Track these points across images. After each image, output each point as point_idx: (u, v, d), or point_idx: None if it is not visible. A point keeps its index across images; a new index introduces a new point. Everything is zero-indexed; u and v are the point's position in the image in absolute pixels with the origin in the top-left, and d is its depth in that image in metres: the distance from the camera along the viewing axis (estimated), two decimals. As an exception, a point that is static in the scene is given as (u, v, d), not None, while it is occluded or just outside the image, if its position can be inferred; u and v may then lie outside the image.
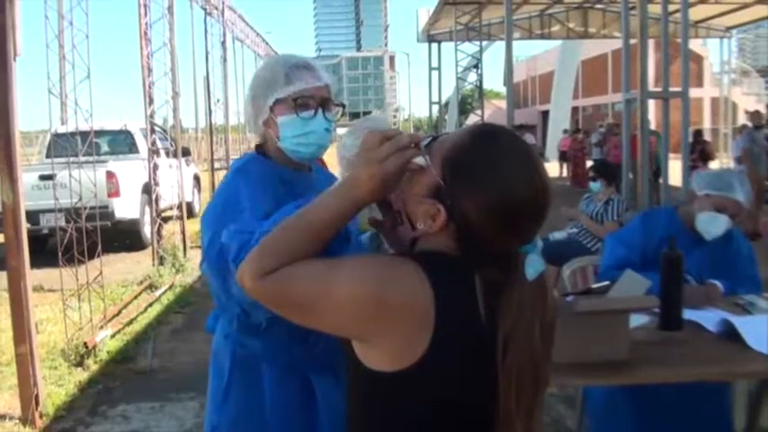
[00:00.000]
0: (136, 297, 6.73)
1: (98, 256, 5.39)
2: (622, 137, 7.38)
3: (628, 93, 6.91)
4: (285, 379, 1.69)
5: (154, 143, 7.91)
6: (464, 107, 22.96)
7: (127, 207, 9.16)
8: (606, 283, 2.46)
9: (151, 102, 7.66)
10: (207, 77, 10.09)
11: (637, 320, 2.45)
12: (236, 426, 1.76)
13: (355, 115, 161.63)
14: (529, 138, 16.06)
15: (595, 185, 5.70)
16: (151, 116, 7.69)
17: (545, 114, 37.30)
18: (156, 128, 9.69)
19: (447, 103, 26.66)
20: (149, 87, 7.50)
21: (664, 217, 2.92)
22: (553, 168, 19.68)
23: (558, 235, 5.78)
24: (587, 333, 2.06)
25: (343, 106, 1.82)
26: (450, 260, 1.06)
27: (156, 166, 8.32)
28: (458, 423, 1.06)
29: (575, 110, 34.96)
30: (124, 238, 9.66)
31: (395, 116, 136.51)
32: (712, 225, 2.75)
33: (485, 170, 1.04)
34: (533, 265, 1.04)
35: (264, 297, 1.08)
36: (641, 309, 2.09)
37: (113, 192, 8.81)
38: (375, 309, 1.01)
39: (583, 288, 2.73)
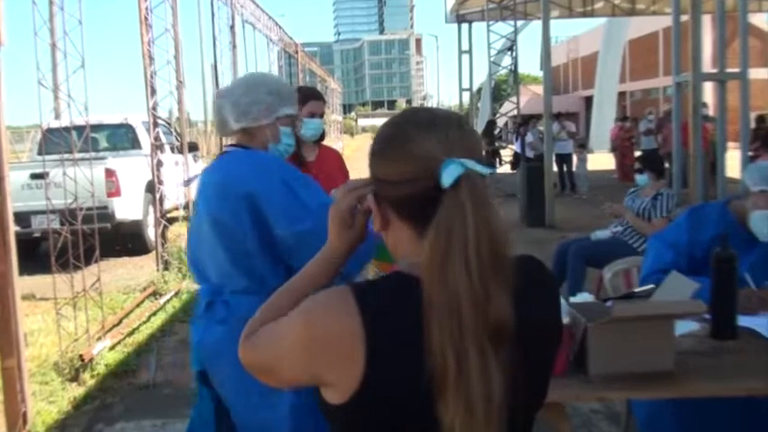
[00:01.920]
0: (138, 305, 6.81)
1: (96, 261, 5.45)
2: (673, 124, 7.28)
3: (679, 75, 6.81)
4: None
5: (157, 137, 7.99)
6: (498, 94, 22.85)
7: (128, 207, 9.27)
8: (650, 286, 2.42)
9: (153, 93, 7.74)
10: (215, 65, 10.18)
11: (685, 327, 2.42)
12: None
13: (378, 104, 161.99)
14: (569, 126, 15.93)
15: (642, 179, 5.63)
16: (153, 108, 7.76)
17: (588, 101, 37.00)
18: (160, 121, 9.80)
19: (480, 90, 26.57)
20: (151, 77, 7.58)
21: (714, 213, 2.88)
22: (600, 161, 19.49)
23: (601, 234, 5.73)
24: (628, 342, 2.04)
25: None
26: (397, 278, 1.13)
27: (159, 163, 8.41)
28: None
29: (621, 95, 34.64)
30: (126, 241, 9.78)
31: (422, 105, 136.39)
32: (766, 225, 2.70)
33: (384, 143, 1.17)
34: (449, 173, 1.05)
35: (245, 365, 1.25)
36: (688, 315, 2.05)
37: (113, 191, 8.92)
38: (308, 349, 1.11)
39: (625, 292, 2.69)
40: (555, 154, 15.31)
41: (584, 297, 2.60)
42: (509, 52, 17.61)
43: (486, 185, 1.08)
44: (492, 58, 19.20)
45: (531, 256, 1.22)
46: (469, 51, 21.77)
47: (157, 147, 7.98)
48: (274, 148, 2.27)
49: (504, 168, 16.47)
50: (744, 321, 2.40)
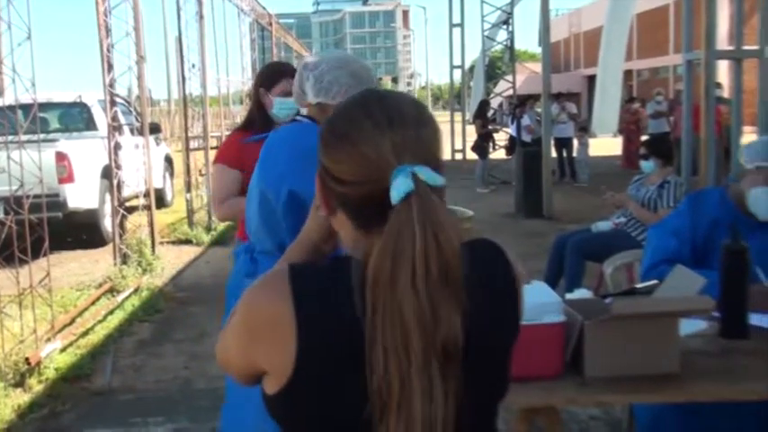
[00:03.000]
0: (93, 303, 6.77)
1: (44, 254, 5.40)
2: (683, 106, 7.31)
3: (690, 52, 6.82)
4: None
5: (115, 118, 7.92)
6: (493, 72, 22.89)
7: (82, 195, 9.20)
8: (653, 282, 2.44)
9: (110, 68, 7.67)
10: (179, 38, 10.10)
11: (692, 326, 2.43)
12: None
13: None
14: (570, 107, 15.98)
15: (647, 165, 5.65)
16: (110, 85, 7.70)
17: (591, 80, 37.14)
18: (118, 100, 9.72)
19: (473, 68, 26.56)
20: (108, 51, 7.51)
21: (714, 197, 2.93)
22: (603, 146, 19.57)
23: (603, 225, 5.76)
24: (628, 342, 2.05)
25: None
26: (337, 261, 1.20)
27: (118, 146, 8.36)
28: None
29: (627, 74, 34.79)
30: (80, 232, 9.72)
31: (409, 84, 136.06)
32: (766, 202, 2.74)
33: (335, 137, 1.21)
34: (397, 188, 1.11)
35: (218, 362, 1.36)
36: (694, 312, 2.06)
37: (65, 177, 8.85)
38: (244, 333, 1.21)
39: (625, 288, 2.71)
40: (554, 138, 15.37)
41: (581, 293, 2.61)
42: (504, 26, 17.62)
43: (441, 195, 1.15)
44: (486, 33, 19.22)
45: (489, 246, 1.28)
46: (461, 25, 21.73)
47: (115, 128, 7.90)
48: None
49: (499, 153, 16.50)
50: (756, 320, 2.42)
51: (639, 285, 2.53)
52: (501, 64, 19.70)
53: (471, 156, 16.40)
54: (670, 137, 12.91)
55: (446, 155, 22.51)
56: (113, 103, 7.78)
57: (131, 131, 9.64)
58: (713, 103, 6.45)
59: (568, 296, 2.63)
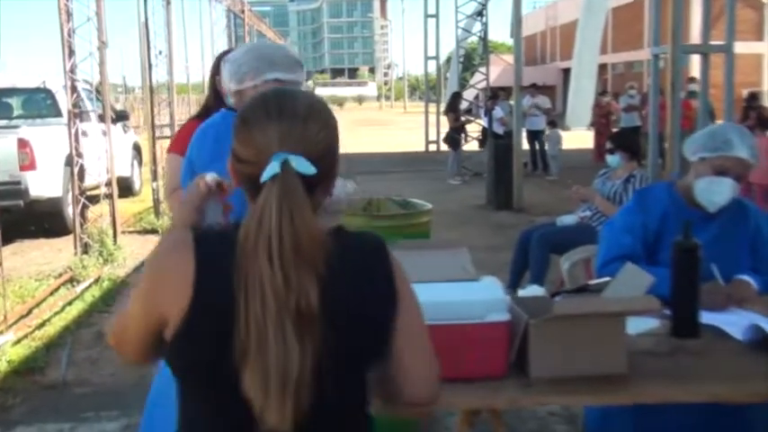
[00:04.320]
0: (52, 293, 6.65)
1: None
2: (650, 101, 7.31)
3: (657, 46, 6.81)
4: None
5: (77, 104, 7.77)
6: (469, 63, 22.81)
7: (45, 183, 9.02)
8: (605, 279, 2.40)
9: (72, 54, 7.51)
10: (145, 23, 9.93)
11: (644, 324, 2.40)
12: None
13: (338, 72, 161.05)
14: (542, 100, 15.96)
15: (614, 159, 5.63)
16: (71, 71, 7.54)
17: (567, 73, 37.22)
18: (84, 86, 9.55)
19: (449, 59, 26.47)
20: (69, 36, 7.36)
21: (662, 192, 2.92)
22: (577, 139, 19.60)
23: (568, 219, 5.73)
24: (573, 342, 2.01)
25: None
26: (234, 227, 1.37)
27: (83, 133, 8.20)
28: (209, 384, 1.36)
29: (602, 68, 34.86)
30: (43, 221, 9.55)
31: (386, 74, 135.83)
32: (714, 192, 2.74)
33: (240, 120, 1.43)
34: (268, 170, 1.32)
35: (112, 344, 1.57)
36: (638, 312, 2.02)
37: (27, 164, 8.67)
38: (150, 283, 1.41)
39: (578, 285, 2.67)
40: (526, 130, 15.36)
41: (533, 290, 2.56)
42: (479, 17, 17.54)
43: (314, 183, 1.36)
44: (461, 24, 19.13)
45: (371, 237, 1.48)
46: (436, 15, 21.65)
47: (77, 115, 7.75)
48: None
49: (472, 145, 16.47)
50: (708, 318, 2.38)
51: (592, 282, 2.49)
52: (476, 56, 19.64)
53: (445, 147, 16.35)
54: (641, 131, 12.94)
55: (420, 146, 22.53)
56: (74, 89, 7.62)
57: (99, 119, 9.46)
58: (679, 98, 6.43)
59: (521, 293, 2.59)
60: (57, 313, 6.09)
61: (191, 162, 2.66)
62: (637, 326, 2.36)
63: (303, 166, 1.34)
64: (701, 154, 2.79)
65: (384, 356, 1.45)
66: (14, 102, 10.46)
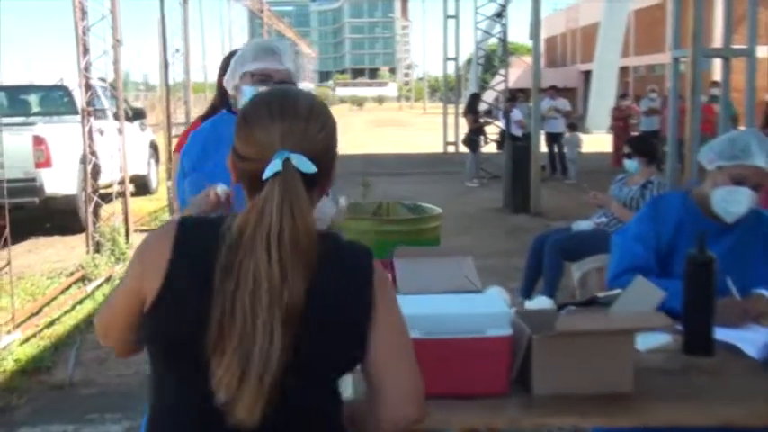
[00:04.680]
0: (63, 292, 6.62)
1: (5, 243, 5.23)
2: (669, 105, 7.18)
3: (678, 50, 6.68)
4: None
5: (91, 102, 7.74)
6: (490, 65, 22.68)
7: (60, 180, 9.00)
8: (615, 291, 2.30)
9: (86, 52, 7.49)
10: (162, 21, 9.90)
11: (655, 340, 2.30)
12: None
13: (359, 72, 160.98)
14: (562, 103, 15.80)
15: (631, 164, 5.51)
16: (86, 69, 7.52)
17: (587, 75, 36.97)
18: (103, 84, 9.53)
19: (470, 60, 26.30)
20: (83, 34, 7.34)
21: (676, 201, 2.83)
22: (597, 143, 19.42)
23: (583, 225, 5.62)
24: (579, 358, 1.92)
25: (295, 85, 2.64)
26: (219, 218, 1.44)
27: (98, 131, 8.17)
28: (177, 357, 1.40)
29: (624, 70, 34.63)
30: (58, 218, 9.55)
31: (407, 75, 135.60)
32: (731, 202, 2.65)
33: (242, 119, 1.47)
34: (270, 168, 1.36)
35: (98, 335, 1.63)
36: (645, 329, 1.92)
37: (42, 161, 8.66)
38: (136, 263, 1.47)
39: (587, 297, 2.57)
40: (545, 133, 15.20)
41: (540, 302, 2.47)
42: (498, 19, 17.38)
43: (314, 181, 1.41)
44: (481, 25, 18.99)
45: (360, 247, 1.50)
46: (456, 16, 21.53)
47: (90, 113, 7.72)
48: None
49: (491, 147, 16.34)
50: (722, 335, 2.28)
51: (601, 295, 2.39)
52: (496, 57, 19.49)
53: (464, 149, 16.23)
54: (659, 135, 12.77)
55: (438, 147, 22.41)
56: (88, 87, 7.60)
57: (116, 117, 9.44)
58: (699, 102, 6.31)
59: (528, 304, 2.50)
60: (67, 312, 6.05)
61: (181, 163, 2.72)
62: (647, 341, 2.26)
63: (304, 164, 1.38)
64: (718, 162, 2.69)
65: (350, 365, 1.47)
66: (32, 99, 10.47)
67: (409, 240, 3.66)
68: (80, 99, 9.56)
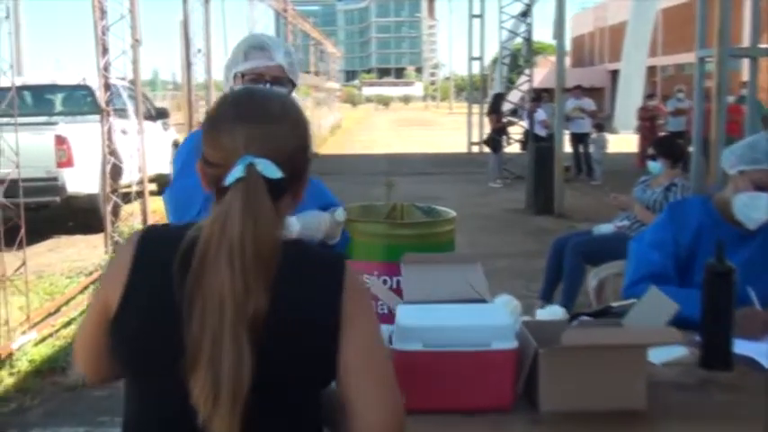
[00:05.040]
0: (81, 291, 6.61)
1: (18, 244, 5.21)
2: (695, 105, 7.02)
3: (703, 49, 6.54)
4: None
5: (110, 102, 7.75)
6: (515, 65, 22.56)
7: (82, 180, 9.03)
8: (630, 301, 2.20)
9: (105, 51, 7.49)
10: (184, 22, 9.90)
11: (671, 353, 2.20)
12: None
13: (385, 72, 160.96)
14: (587, 102, 15.60)
15: (655, 166, 5.40)
16: (105, 69, 7.52)
17: (616, 74, 36.61)
18: (125, 84, 9.55)
19: (496, 60, 26.15)
20: (102, 34, 7.34)
21: (696, 206, 2.73)
22: (624, 143, 19.18)
23: (605, 228, 5.51)
24: (589, 373, 1.82)
25: (294, 85, 2.52)
26: (183, 227, 1.36)
27: (121, 131, 8.16)
28: (138, 369, 1.37)
29: (652, 70, 34.24)
30: (81, 217, 9.58)
31: (433, 74, 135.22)
32: (753, 208, 2.54)
33: (207, 122, 1.42)
34: (232, 174, 1.30)
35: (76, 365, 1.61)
36: (653, 344, 1.83)
37: (64, 161, 8.69)
38: (104, 279, 1.46)
39: (601, 306, 2.48)
40: (570, 133, 15.02)
41: (552, 312, 2.38)
42: (523, 18, 17.21)
43: (280, 186, 1.33)
44: (507, 24, 18.84)
45: (325, 253, 1.51)
46: (481, 16, 21.41)
47: (109, 113, 7.72)
48: None
49: (515, 148, 16.19)
50: (741, 348, 2.17)
51: (615, 305, 2.29)
52: (521, 57, 19.31)
53: (488, 149, 16.11)
54: (686, 135, 12.55)
55: (463, 147, 22.29)
56: (107, 87, 7.60)
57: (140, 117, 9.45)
58: (725, 103, 6.16)
59: (539, 314, 2.41)
60: (83, 312, 6.04)
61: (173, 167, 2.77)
62: (662, 354, 2.16)
63: (269, 169, 1.31)
64: (740, 167, 2.59)
65: (322, 379, 1.39)
66: (55, 98, 10.51)
67: (422, 244, 3.57)
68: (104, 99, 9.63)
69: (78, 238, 9.31)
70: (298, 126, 1.40)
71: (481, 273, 2.35)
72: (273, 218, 1.30)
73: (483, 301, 2.08)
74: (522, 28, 17.19)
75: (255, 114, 1.36)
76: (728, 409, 1.91)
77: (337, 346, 1.35)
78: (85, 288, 6.70)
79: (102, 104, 7.63)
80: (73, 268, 7.55)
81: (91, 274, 7.17)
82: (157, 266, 1.34)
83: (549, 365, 1.82)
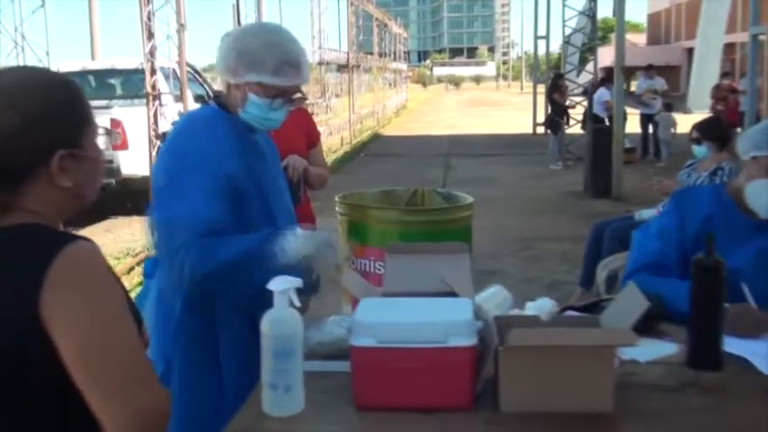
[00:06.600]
0: (128, 272, 6.75)
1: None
2: (748, 83, 6.72)
3: (756, 26, 6.23)
4: (235, 318, 2.25)
5: (155, 86, 7.87)
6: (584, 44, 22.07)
7: (137, 162, 9.23)
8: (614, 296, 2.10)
9: (151, 36, 7.59)
10: (236, 5, 9.96)
11: (660, 350, 2.10)
12: (190, 358, 2.26)
13: (457, 51, 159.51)
14: (659, 82, 15.11)
15: (700, 150, 5.23)
16: (151, 54, 7.63)
17: (692, 52, 35.47)
18: (187, 68, 9.65)
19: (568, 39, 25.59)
20: (148, 19, 7.43)
21: (705, 194, 2.60)
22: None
23: (646, 213, 5.32)
24: (553, 373, 1.74)
25: (305, 98, 2.60)
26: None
27: (179, 114, 8.24)
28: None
29: (730, 47, 33.00)
30: (135, 199, 9.78)
31: (505, 54, 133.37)
32: (765, 195, 2.39)
33: None
34: None
35: None
36: (605, 346, 1.72)
37: (119, 144, 8.90)
38: None
39: (588, 301, 2.38)
40: (640, 114, 14.61)
41: (542, 304, 2.28)
42: (590, -5, 16.76)
43: None
44: (575, 4, 18.43)
45: (24, 239, 1.31)
46: (548, -7, 20.97)
47: (155, 97, 7.85)
48: (243, 113, 2.31)
49: (576, 128, 15.85)
50: (733, 347, 2.05)
51: (605, 297, 2.20)
52: (586, 35, 18.81)
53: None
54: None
55: (528, 128, 21.92)
56: (153, 72, 7.71)
57: (196, 100, 9.58)
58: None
59: (528, 307, 2.32)
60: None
61: None
62: (649, 352, 2.06)
63: None
64: (753, 152, 2.45)
65: (27, 378, 1.28)
66: (113, 82, 10.75)
67: (436, 231, 3.50)
68: (164, 83, 9.78)
69: (134, 219, 9.50)
70: (11, 109, 1.33)
71: (467, 264, 2.27)
72: None
73: (453, 294, 2.01)
74: (586, 5, 16.76)
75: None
76: (703, 415, 1.80)
77: (46, 347, 1.26)
78: (130, 270, 6.84)
79: (148, 88, 7.74)
80: (123, 249, 7.72)
81: (138, 254, 7.31)
82: None
83: (509, 364, 1.75)
